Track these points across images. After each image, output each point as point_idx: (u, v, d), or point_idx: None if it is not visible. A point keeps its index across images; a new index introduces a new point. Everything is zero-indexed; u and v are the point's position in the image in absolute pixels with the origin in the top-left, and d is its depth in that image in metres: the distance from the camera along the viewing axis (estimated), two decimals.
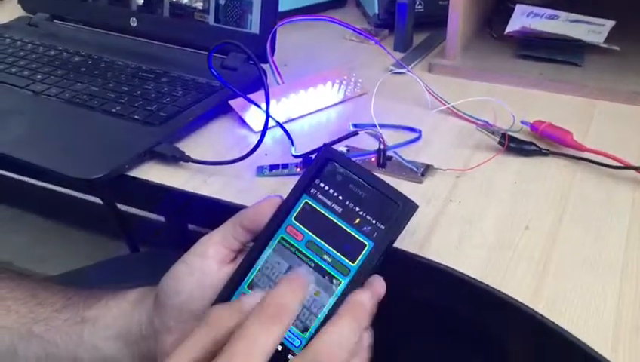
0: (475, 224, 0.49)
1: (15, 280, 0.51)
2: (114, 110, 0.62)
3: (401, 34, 0.78)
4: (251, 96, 0.61)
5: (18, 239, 1.69)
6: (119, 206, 1.15)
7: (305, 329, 0.40)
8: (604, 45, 0.70)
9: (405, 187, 0.52)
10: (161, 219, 1.35)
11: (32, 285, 0.51)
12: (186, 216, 0.77)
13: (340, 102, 0.66)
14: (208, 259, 0.43)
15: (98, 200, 1.23)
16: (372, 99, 0.60)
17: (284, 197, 0.44)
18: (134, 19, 0.77)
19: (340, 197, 0.42)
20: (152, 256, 0.95)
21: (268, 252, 0.42)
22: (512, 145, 0.56)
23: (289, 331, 0.40)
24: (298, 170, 0.54)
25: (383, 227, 0.41)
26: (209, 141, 0.60)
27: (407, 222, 0.42)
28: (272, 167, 0.55)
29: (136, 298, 0.46)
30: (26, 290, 0.50)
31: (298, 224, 0.42)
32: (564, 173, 0.54)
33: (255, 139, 0.55)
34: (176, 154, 0.56)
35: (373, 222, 0.41)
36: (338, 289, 0.40)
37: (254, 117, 0.61)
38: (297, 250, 0.42)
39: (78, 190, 0.65)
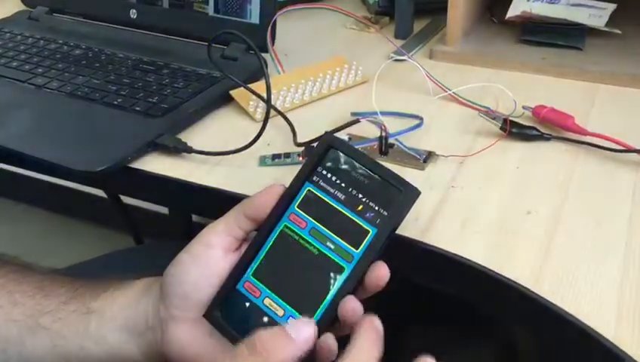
0: (477, 209, 0.49)
1: (22, 273, 0.52)
2: (115, 102, 0.62)
3: (401, 21, 0.77)
4: (252, 85, 0.61)
5: (24, 233, 1.70)
6: (123, 198, 1.15)
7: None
8: (606, 29, 0.70)
9: (408, 174, 0.52)
10: (165, 210, 1.35)
11: (39, 278, 0.51)
12: (189, 207, 0.78)
13: (341, 91, 0.66)
14: (212, 248, 0.43)
15: (103, 193, 1.24)
16: (373, 86, 0.60)
17: (287, 185, 0.44)
18: (134, 10, 0.77)
19: (343, 185, 0.42)
20: (156, 247, 0.95)
21: (272, 240, 0.43)
22: (513, 130, 0.56)
23: (293, 317, 0.40)
24: (300, 158, 0.54)
25: (385, 213, 0.41)
26: (211, 132, 0.60)
27: (410, 207, 0.42)
28: (275, 157, 0.55)
29: (141, 288, 0.47)
30: (33, 283, 0.51)
31: (301, 212, 0.42)
32: (566, 158, 0.54)
33: (257, 128, 0.55)
34: (179, 145, 0.56)
35: (376, 208, 0.41)
36: (342, 276, 0.41)
37: (256, 107, 0.62)
38: (301, 237, 0.42)
39: (81, 183, 0.65)
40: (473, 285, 0.45)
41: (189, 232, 1.20)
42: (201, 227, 0.45)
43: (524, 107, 0.59)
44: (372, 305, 0.41)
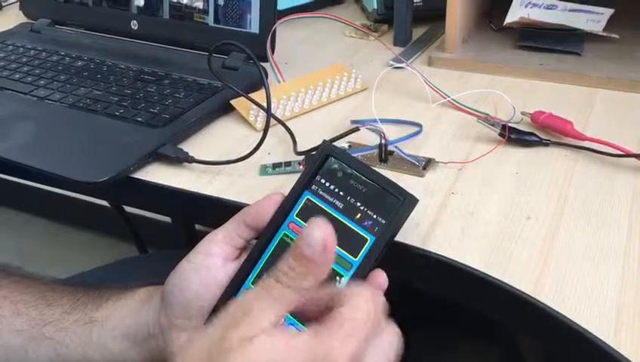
0: (477, 215, 0.49)
1: (25, 284, 0.52)
2: (117, 113, 0.63)
3: (400, 28, 0.78)
4: (253, 95, 0.61)
5: (27, 243, 1.70)
6: (126, 208, 1.16)
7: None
8: (604, 34, 0.70)
9: (407, 181, 0.52)
10: (169, 219, 1.36)
11: (42, 288, 0.52)
12: (192, 216, 0.78)
13: (341, 99, 0.67)
14: (213, 257, 0.43)
15: (106, 203, 1.24)
16: (372, 94, 0.60)
17: (287, 194, 0.44)
18: (135, 22, 0.78)
19: (341, 193, 0.43)
20: (160, 256, 0.96)
21: (271, 249, 0.43)
22: (512, 136, 0.56)
23: (291, 323, 0.40)
24: (301, 167, 0.55)
25: (383, 221, 0.41)
26: (212, 141, 0.61)
27: (408, 215, 0.42)
28: (276, 165, 0.55)
29: (143, 297, 0.47)
30: (36, 293, 0.51)
31: (300, 220, 0.43)
32: (565, 163, 0.55)
33: (257, 138, 0.56)
34: (180, 155, 0.56)
35: (374, 216, 0.42)
36: (341, 284, 0.41)
37: (256, 116, 0.62)
38: None
39: (84, 193, 0.66)
40: (473, 291, 0.46)
41: (193, 241, 1.20)
42: (204, 236, 0.45)
43: (522, 113, 0.59)
44: None
